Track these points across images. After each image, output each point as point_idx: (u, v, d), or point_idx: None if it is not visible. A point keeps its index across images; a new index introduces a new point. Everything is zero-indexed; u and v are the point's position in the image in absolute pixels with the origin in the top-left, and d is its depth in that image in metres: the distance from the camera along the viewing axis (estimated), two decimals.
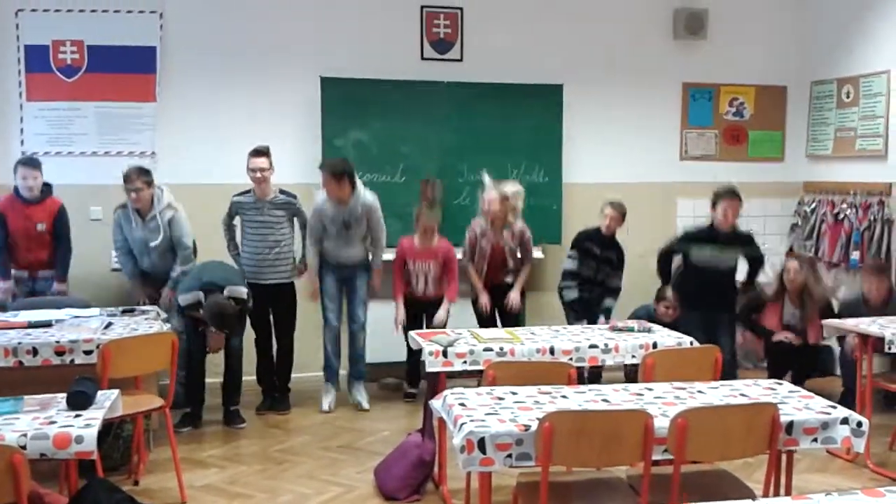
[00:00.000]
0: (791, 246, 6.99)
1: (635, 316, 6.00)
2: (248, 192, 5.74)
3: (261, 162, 5.62)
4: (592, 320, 5.78)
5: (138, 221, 5.50)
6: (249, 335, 5.75)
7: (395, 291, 5.95)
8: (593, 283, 5.99)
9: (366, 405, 5.88)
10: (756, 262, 5.78)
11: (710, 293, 5.57)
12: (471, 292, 6.07)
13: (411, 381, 6.13)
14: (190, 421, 5.40)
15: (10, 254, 5.54)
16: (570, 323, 5.84)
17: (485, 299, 5.96)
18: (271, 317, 5.87)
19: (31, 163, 5.55)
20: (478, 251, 5.96)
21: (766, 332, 5.99)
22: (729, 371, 5.60)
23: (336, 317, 5.92)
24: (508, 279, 6.03)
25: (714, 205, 5.59)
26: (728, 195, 5.54)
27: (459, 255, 6.05)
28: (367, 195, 5.76)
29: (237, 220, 5.83)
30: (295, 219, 5.89)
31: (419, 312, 5.98)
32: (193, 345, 5.35)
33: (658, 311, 6.10)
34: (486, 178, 6.04)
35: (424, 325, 5.88)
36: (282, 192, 5.80)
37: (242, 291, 5.26)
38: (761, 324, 6.01)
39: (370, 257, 5.93)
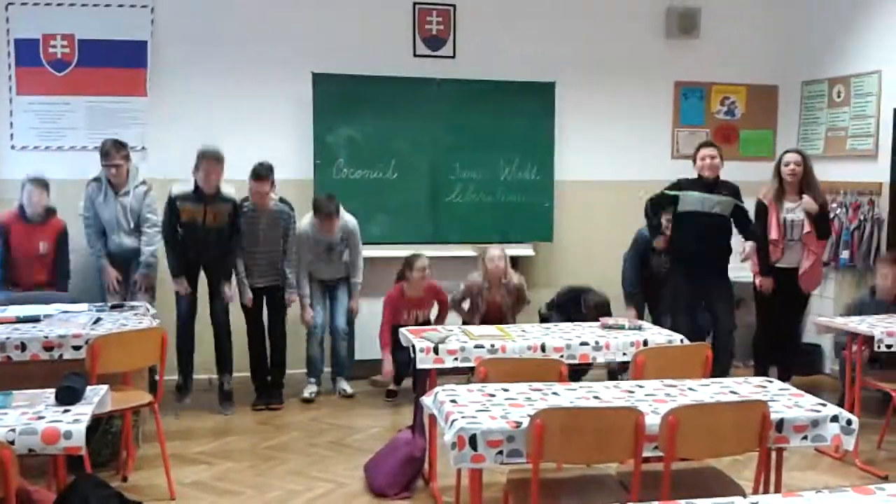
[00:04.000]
0: None
1: (640, 236, 6.14)
2: (246, 199, 5.69)
3: (262, 186, 5.59)
4: None
5: (111, 195, 5.54)
6: (240, 329, 5.76)
7: (382, 344, 5.81)
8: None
9: (349, 390, 6.00)
10: (743, 216, 5.75)
11: (701, 248, 5.59)
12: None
13: (396, 378, 6.13)
14: (186, 391, 5.58)
15: (6, 276, 5.50)
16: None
17: None
18: (265, 316, 5.91)
19: (39, 182, 5.49)
20: (473, 307, 5.97)
21: (766, 264, 5.80)
22: (728, 338, 5.64)
23: (321, 320, 5.98)
24: None
25: (695, 156, 5.77)
26: (705, 143, 5.81)
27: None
28: (348, 221, 5.87)
29: None
30: (286, 232, 5.81)
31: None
32: (180, 311, 5.51)
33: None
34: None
35: None
36: (281, 200, 5.76)
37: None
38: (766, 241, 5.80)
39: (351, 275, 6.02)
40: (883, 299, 5.54)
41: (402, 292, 5.85)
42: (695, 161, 5.75)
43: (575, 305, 6.00)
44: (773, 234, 5.77)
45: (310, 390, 5.95)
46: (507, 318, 5.96)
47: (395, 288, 5.88)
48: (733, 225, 5.79)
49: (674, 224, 5.81)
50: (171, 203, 5.40)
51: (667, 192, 5.78)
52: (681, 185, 5.77)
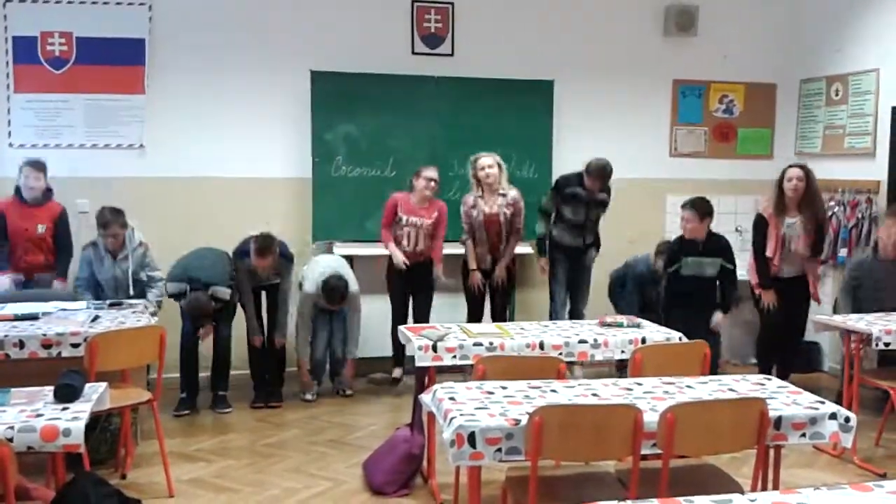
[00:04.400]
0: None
1: (634, 261, 6.18)
2: (248, 252, 5.61)
3: (265, 262, 5.57)
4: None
5: (109, 261, 5.51)
6: (240, 326, 5.76)
7: (385, 240, 5.97)
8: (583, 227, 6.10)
9: (348, 391, 6.00)
10: (727, 276, 5.67)
11: (694, 295, 5.60)
12: (461, 273, 6.15)
13: (397, 363, 6.14)
14: (187, 405, 5.56)
15: (7, 257, 5.49)
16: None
17: (477, 278, 6.03)
18: (264, 312, 5.90)
19: (36, 164, 5.51)
20: (473, 224, 5.99)
21: (766, 275, 5.80)
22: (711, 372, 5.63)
23: (324, 343, 5.95)
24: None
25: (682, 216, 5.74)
26: (685, 206, 5.66)
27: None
28: (353, 288, 5.79)
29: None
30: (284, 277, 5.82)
31: (405, 286, 6.05)
32: (185, 331, 5.52)
33: (656, 265, 6.08)
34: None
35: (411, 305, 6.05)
36: (282, 254, 5.69)
37: (226, 293, 5.45)
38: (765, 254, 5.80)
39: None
40: (886, 257, 5.52)
41: (408, 196, 5.93)
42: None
43: (575, 186, 5.99)
44: (770, 250, 5.77)
45: (311, 392, 5.93)
46: (508, 239, 6.04)
47: (403, 193, 5.96)
48: (718, 286, 5.70)
49: (670, 280, 5.76)
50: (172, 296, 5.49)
51: (672, 267, 5.77)
52: (674, 251, 5.73)
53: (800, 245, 5.73)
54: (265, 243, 5.52)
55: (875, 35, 6.43)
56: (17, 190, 5.53)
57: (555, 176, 6.76)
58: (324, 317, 5.94)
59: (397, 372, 6.18)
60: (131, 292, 5.48)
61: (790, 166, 5.85)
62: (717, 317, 5.64)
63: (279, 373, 5.92)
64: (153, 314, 4.99)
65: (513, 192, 6.02)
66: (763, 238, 5.80)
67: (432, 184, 5.88)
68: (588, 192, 6.01)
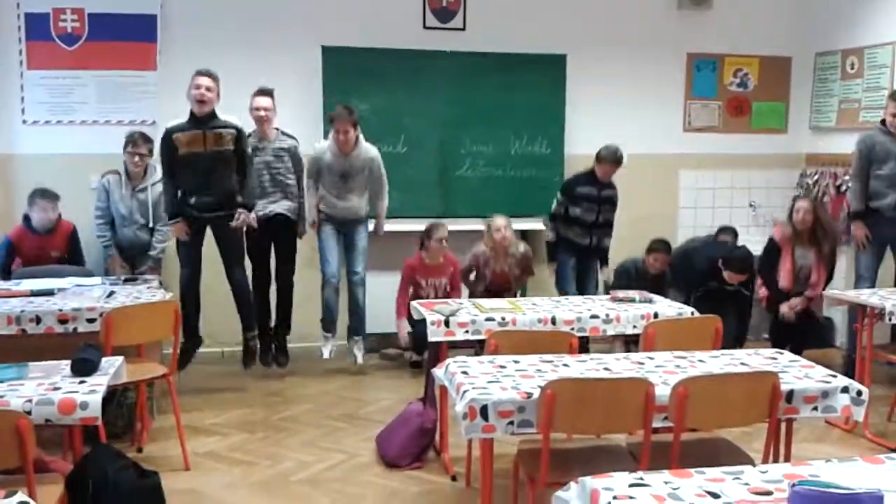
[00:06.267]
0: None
1: (622, 269, 6.10)
2: (250, 134, 5.60)
3: (264, 102, 5.61)
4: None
5: (128, 189, 5.59)
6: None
7: (398, 311, 5.93)
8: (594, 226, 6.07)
9: (360, 360, 5.93)
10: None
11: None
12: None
13: (417, 349, 6.15)
14: (187, 348, 5.39)
15: None
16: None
17: None
18: (272, 256, 5.84)
19: (50, 196, 5.47)
20: (479, 277, 6.03)
21: (778, 293, 5.88)
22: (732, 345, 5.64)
23: (335, 269, 5.86)
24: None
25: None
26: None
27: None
28: (368, 148, 5.75)
29: None
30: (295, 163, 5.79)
31: None
32: (183, 275, 5.37)
33: (647, 263, 6.08)
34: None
35: None
36: (283, 133, 5.76)
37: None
38: (775, 279, 5.89)
39: (369, 210, 5.91)
40: None
41: (422, 260, 5.89)
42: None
43: (584, 185, 6.01)
44: (784, 282, 5.83)
45: (328, 348, 5.88)
46: (514, 288, 6.03)
47: (416, 256, 5.93)
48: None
49: None
50: (167, 137, 5.21)
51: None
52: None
53: (813, 274, 5.79)
54: (265, 87, 5.66)
55: (891, 8, 6.35)
56: (25, 218, 5.51)
57: (567, 152, 6.75)
58: (333, 248, 5.83)
59: (416, 356, 6.15)
60: (142, 221, 5.63)
61: (799, 197, 6.02)
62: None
63: (284, 333, 5.89)
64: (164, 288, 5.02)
65: (520, 250, 6.00)
66: (773, 267, 5.88)
67: (444, 243, 5.83)
68: (599, 185, 5.97)
